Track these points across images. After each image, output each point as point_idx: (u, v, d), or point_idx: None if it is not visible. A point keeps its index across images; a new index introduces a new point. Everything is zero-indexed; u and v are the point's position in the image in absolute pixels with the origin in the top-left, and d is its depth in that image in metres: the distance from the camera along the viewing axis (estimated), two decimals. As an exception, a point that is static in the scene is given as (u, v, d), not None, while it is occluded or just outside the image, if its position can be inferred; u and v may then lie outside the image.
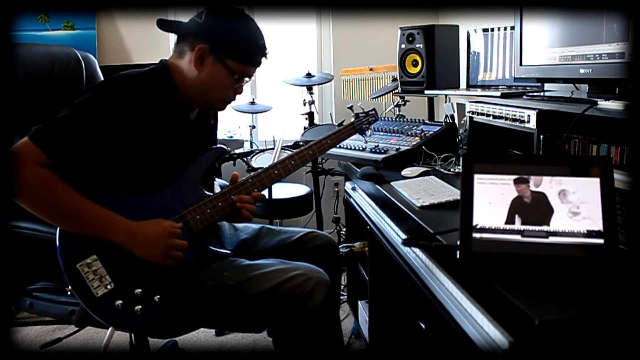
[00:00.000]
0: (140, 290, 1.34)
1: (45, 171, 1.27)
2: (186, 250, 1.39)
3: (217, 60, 1.42)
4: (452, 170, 1.80)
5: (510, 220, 0.99)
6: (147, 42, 3.19)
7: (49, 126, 1.30)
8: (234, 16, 1.45)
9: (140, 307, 1.34)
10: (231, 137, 3.23)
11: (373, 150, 2.00)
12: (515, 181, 1.01)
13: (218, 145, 1.55)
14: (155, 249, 1.34)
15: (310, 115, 3.15)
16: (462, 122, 2.15)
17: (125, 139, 1.35)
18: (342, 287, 2.53)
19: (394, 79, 2.88)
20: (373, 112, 1.82)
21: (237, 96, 1.53)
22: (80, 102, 1.34)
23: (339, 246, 1.92)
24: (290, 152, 1.61)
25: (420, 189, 1.53)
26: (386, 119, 2.38)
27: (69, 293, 1.33)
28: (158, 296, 1.36)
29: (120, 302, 1.32)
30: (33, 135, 1.29)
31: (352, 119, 1.78)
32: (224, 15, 1.44)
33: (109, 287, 1.32)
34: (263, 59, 1.49)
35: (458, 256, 0.99)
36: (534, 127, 1.48)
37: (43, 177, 1.27)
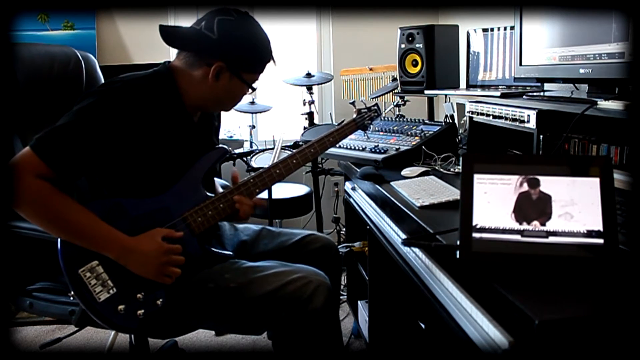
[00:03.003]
0: (142, 294, 1.34)
1: (44, 184, 1.25)
2: (190, 255, 1.39)
3: (234, 75, 1.43)
4: (452, 170, 1.80)
5: (515, 216, 0.99)
6: (147, 42, 3.18)
7: (50, 135, 1.27)
8: (246, 27, 1.43)
9: (142, 311, 1.34)
10: (231, 137, 3.23)
11: (373, 150, 2.00)
12: (529, 181, 1.01)
13: (220, 146, 1.55)
14: (150, 267, 1.32)
15: (310, 115, 3.15)
16: (462, 122, 2.15)
17: (129, 144, 1.34)
18: (342, 287, 2.53)
19: (394, 79, 2.88)
20: (375, 107, 1.81)
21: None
22: (81, 108, 1.31)
23: (339, 246, 1.92)
24: (290, 152, 1.60)
25: (420, 189, 1.53)
26: (386, 118, 2.38)
27: (71, 298, 1.32)
28: (160, 300, 1.36)
29: (123, 306, 1.32)
30: (34, 146, 1.26)
31: (354, 115, 1.78)
32: (236, 27, 1.41)
33: (111, 291, 1.32)
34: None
35: (458, 256, 0.99)
36: (534, 127, 1.48)
37: (41, 191, 1.25)
